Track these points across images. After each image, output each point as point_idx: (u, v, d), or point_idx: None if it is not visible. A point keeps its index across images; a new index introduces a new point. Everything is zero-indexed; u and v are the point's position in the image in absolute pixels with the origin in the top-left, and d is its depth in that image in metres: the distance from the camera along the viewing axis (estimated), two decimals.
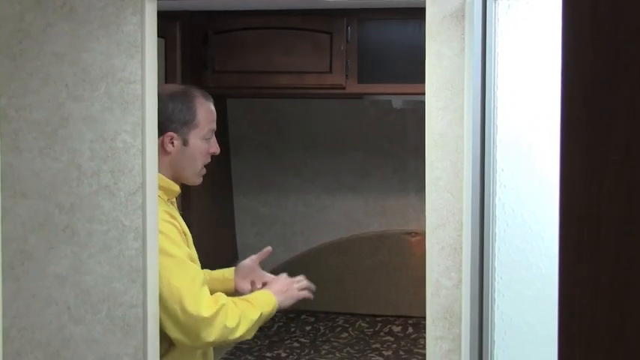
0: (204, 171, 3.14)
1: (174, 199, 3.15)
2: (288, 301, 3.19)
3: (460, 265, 2.61)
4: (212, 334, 2.89)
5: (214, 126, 3.13)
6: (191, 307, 2.84)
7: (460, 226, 2.62)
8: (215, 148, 3.12)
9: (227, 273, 3.32)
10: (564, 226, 1.09)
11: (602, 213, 1.07)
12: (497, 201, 2.25)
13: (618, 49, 1.06)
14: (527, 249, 2.19)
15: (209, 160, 3.13)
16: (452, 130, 2.64)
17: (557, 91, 2.08)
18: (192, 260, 2.98)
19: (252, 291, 3.23)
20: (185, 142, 3.03)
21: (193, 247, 3.12)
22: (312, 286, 3.35)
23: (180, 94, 3.05)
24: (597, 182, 1.08)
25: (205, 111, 3.09)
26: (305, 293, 3.29)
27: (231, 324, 2.92)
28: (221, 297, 2.96)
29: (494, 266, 2.25)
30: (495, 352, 2.27)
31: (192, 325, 2.86)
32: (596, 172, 1.08)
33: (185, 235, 3.02)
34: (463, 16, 2.60)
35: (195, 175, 3.12)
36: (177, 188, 3.11)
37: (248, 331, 3.02)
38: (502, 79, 2.23)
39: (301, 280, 3.31)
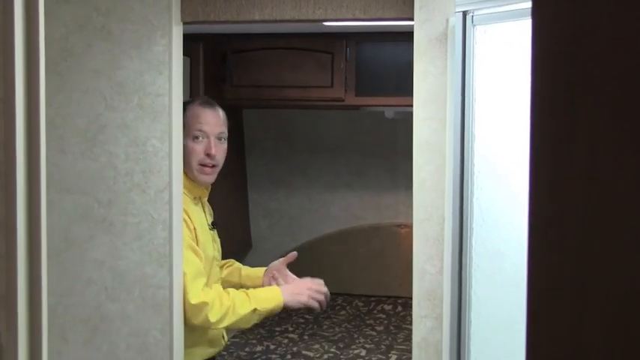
0: (208, 170, 3.04)
1: (203, 198, 3.12)
2: (294, 304, 3.11)
3: (442, 254, 2.60)
4: (196, 320, 2.90)
5: (204, 127, 3.01)
6: (184, 292, 2.86)
7: (442, 221, 2.61)
8: (208, 149, 3.00)
9: (259, 272, 3.29)
10: (533, 224, 1.08)
11: (566, 213, 1.06)
12: (474, 200, 2.24)
13: (577, 69, 1.04)
14: (500, 241, 2.18)
15: (208, 161, 3.01)
16: (436, 138, 2.62)
17: (527, 104, 2.07)
18: (194, 251, 2.94)
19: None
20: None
21: (210, 245, 3.10)
22: (328, 295, 3.27)
23: (184, 104, 2.98)
24: (561, 184, 1.07)
25: (192, 114, 3.02)
26: (314, 303, 3.18)
27: (213, 319, 2.90)
28: (209, 294, 2.93)
29: (471, 256, 2.25)
30: (472, 329, 2.26)
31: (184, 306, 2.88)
32: (561, 176, 1.07)
33: (194, 231, 2.98)
34: (446, 39, 2.59)
35: (194, 172, 3.01)
36: (200, 188, 3.07)
37: (235, 323, 2.99)
38: (479, 93, 2.23)
39: (320, 285, 3.23)
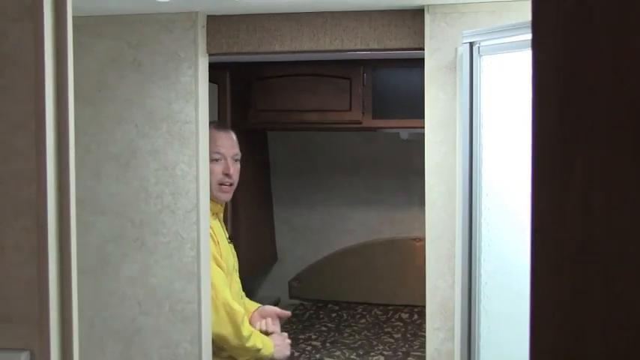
0: (226, 189, 3.05)
1: (220, 215, 3.11)
2: (279, 356, 3.12)
3: (453, 270, 2.57)
4: (229, 327, 2.90)
5: (221, 149, 3.03)
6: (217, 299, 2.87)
7: (453, 239, 2.57)
8: (226, 169, 3.02)
9: (253, 307, 3.26)
10: (535, 244, 1.05)
11: (565, 233, 1.03)
12: (482, 220, 2.21)
13: (575, 101, 1.02)
14: (507, 260, 2.14)
15: (226, 180, 3.03)
16: (447, 160, 2.59)
17: (530, 130, 2.04)
18: (218, 264, 2.94)
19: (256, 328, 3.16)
20: None
21: (230, 256, 3.09)
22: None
23: None
24: (561, 207, 1.05)
25: (209, 138, 2.98)
26: (288, 353, 3.21)
27: (245, 332, 2.92)
28: (241, 308, 2.97)
29: (480, 273, 2.21)
30: (481, 342, 2.22)
31: (220, 307, 2.88)
32: (561, 198, 1.05)
33: (218, 244, 2.98)
34: (455, 67, 2.56)
35: (213, 191, 2.99)
36: (217, 205, 3.06)
37: (246, 349, 2.97)
38: (486, 119, 2.19)
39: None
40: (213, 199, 3.01)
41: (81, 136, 2.83)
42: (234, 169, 3.06)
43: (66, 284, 1.38)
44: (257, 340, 2.97)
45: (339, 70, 4.55)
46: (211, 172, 2.98)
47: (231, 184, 3.05)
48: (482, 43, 2.18)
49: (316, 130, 5.21)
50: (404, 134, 5.02)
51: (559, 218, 1.06)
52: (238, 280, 3.19)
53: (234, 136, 3.11)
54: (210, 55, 2.83)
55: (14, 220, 1.37)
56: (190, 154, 2.77)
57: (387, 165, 5.47)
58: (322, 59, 4.40)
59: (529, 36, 1.94)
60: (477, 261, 2.22)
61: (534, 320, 1.08)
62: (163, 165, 2.79)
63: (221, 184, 3.02)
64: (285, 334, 3.21)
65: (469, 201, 2.22)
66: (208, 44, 2.80)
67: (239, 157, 3.12)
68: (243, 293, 3.32)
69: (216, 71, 4.15)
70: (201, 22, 2.78)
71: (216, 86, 4.44)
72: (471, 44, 2.20)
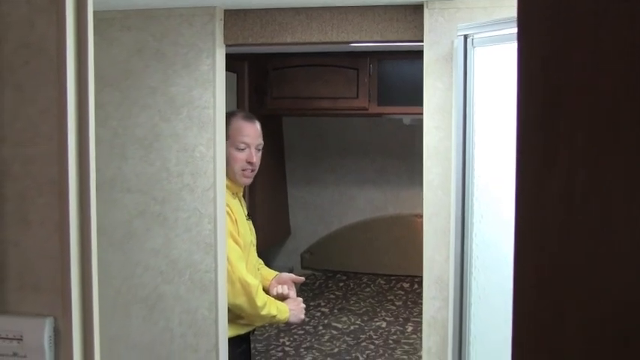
0: (247, 174, 3.02)
1: (240, 194, 3.09)
2: (294, 319, 3.10)
3: (448, 245, 2.53)
4: (243, 297, 2.88)
5: (246, 139, 2.99)
6: (230, 272, 2.84)
7: (449, 216, 2.53)
8: (250, 157, 2.99)
9: (270, 275, 3.24)
10: (519, 224, 1.03)
11: (547, 215, 1.00)
12: (474, 199, 2.17)
13: (562, 84, 0.99)
14: (497, 234, 2.10)
15: (248, 167, 3.00)
16: (443, 144, 2.55)
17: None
18: (235, 240, 2.91)
19: (273, 295, 3.13)
20: (226, 151, 2.96)
21: (248, 232, 3.06)
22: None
23: (227, 115, 2.96)
24: (544, 190, 1.02)
25: (236, 127, 3.00)
26: (303, 317, 3.17)
27: (259, 302, 2.90)
28: (255, 279, 2.94)
29: (472, 247, 2.17)
30: (472, 310, 2.19)
31: (239, 279, 2.85)
32: (544, 182, 1.02)
33: (236, 222, 2.94)
34: (452, 58, 2.52)
35: (234, 176, 2.99)
36: (238, 186, 3.04)
37: (262, 317, 2.97)
38: (478, 106, 2.15)
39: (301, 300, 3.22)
40: (234, 181, 3.00)
41: (109, 121, 2.82)
42: (257, 157, 3.03)
43: (86, 256, 1.36)
44: (272, 308, 2.95)
45: (348, 61, 4.55)
46: (235, 159, 2.96)
47: (252, 170, 3.03)
48: (475, 36, 2.13)
49: (327, 116, 5.21)
50: (406, 120, 5.01)
51: (542, 201, 1.04)
52: (255, 254, 3.16)
53: (258, 127, 3.07)
54: (227, 45, 2.79)
55: (38, 197, 1.34)
56: (208, 137, 2.74)
57: (392, 148, 5.46)
58: (332, 51, 4.38)
59: (515, 30, 1.90)
60: (469, 236, 2.18)
61: (517, 294, 1.05)
62: (183, 147, 2.76)
63: (244, 170, 3.00)
64: (300, 299, 3.19)
65: (462, 181, 2.18)
66: (225, 36, 2.77)
67: (262, 146, 3.09)
68: (262, 262, 3.30)
69: (235, 62, 4.14)
70: (219, 15, 2.75)
71: (235, 75, 4.43)
72: (465, 37, 2.16)
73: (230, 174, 2.97)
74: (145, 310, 2.86)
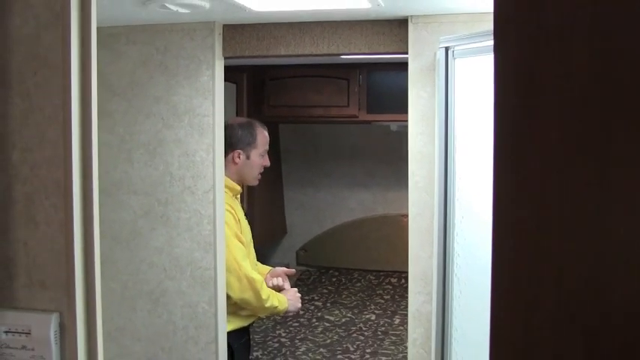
0: (259, 177, 3.09)
1: (238, 195, 3.08)
2: (292, 309, 3.09)
3: (432, 242, 2.52)
4: (248, 292, 2.86)
5: (267, 147, 3.08)
6: (237, 270, 2.81)
7: (432, 215, 2.52)
8: (267, 162, 3.08)
9: (265, 270, 3.21)
10: (496, 223, 1.02)
11: (522, 217, 1.00)
12: (455, 200, 2.15)
13: (534, 91, 0.99)
14: (476, 233, 2.08)
15: (262, 170, 3.08)
16: (427, 149, 2.54)
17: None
18: (239, 239, 2.89)
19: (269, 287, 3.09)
20: (248, 157, 3.00)
21: (247, 230, 3.04)
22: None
23: (246, 124, 3.02)
24: (518, 189, 1.02)
25: (262, 136, 3.06)
26: (300, 305, 3.16)
27: (264, 295, 2.88)
28: (259, 275, 2.93)
29: (453, 245, 2.15)
30: (453, 303, 2.17)
31: (244, 277, 2.82)
32: (518, 182, 1.01)
33: (239, 221, 2.93)
34: (434, 69, 2.50)
35: (253, 180, 3.07)
36: (239, 188, 3.04)
37: (266, 309, 2.95)
38: (459, 113, 2.13)
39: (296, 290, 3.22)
40: (238, 182, 3.01)
41: (117, 128, 2.80)
42: None
43: (89, 255, 1.34)
44: (274, 300, 2.94)
45: (339, 72, 4.54)
46: (258, 165, 3.04)
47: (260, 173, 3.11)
48: (456, 48, 2.11)
49: (320, 123, 5.19)
50: (393, 126, 5.01)
51: (516, 201, 1.03)
52: (253, 250, 3.15)
53: None
54: (225, 58, 2.77)
55: (45, 199, 1.32)
56: (208, 143, 2.72)
57: (380, 153, 5.44)
58: (324, 63, 4.37)
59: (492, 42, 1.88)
60: (450, 235, 2.16)
61: (495, 295, 1.04)
62: (185, 152, 2.74)
63: (260, 174, 3.08)
64: (296, 289, 3.19)
65: (444, 183, 2.16)
66: (224, 49, 2.75)
67: None
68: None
69: (234, 73, 4.12)
70: (218, 30, 2.73)
71: (234, 86, 4.41)
72: (447, 48, 2.14)
73: (248, 179, 3.04)
74: (149, 304, 2.83)
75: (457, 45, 2.09)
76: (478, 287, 2.08)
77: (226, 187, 2.91)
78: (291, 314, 4.29)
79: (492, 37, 1.75)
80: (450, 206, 2.14)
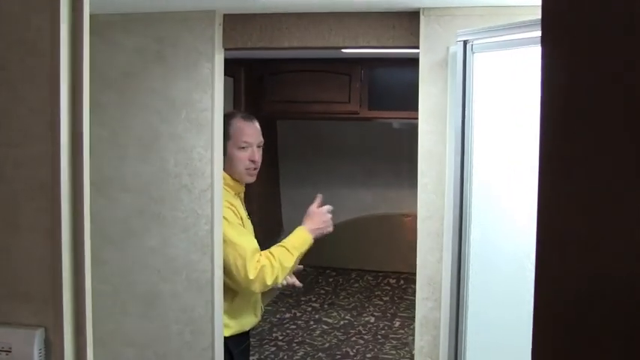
0: (251, 172, 2.86)
1: (241, 194, 2.93)
2: (319, 236, 2.94)
3: (441, 247, 2.39)
4: (257, 288, 2.71)
5: (248, 139, 2.83)
6: (243, 271, 2.66)
7: (442, 219, 2.39)
8: (252, 156, 2.83)
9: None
10: (540, 235, 0.93)
11: (569, 226, 0.91)
12: (472, 204, 2.01)
13: (585, 93, 0.88)
14: (495, 238, 1.95)
15: (251, 166, 2.84)
16: (437, 148, 2.41)
17: (519, 119, 1.85)
18: (249, 233, 2.77)
19: None
20: (225, 152, 2.79)
21: (250, 226, 2.90)
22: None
23: (226, 117, 2.80)
24: (565, 203, 0.92)
25: (237, 128, 2.83)
26: (330, 229, 3.03)
27: (269, 281, 2.72)
28: (261, 259, 2.72)
29: (469, 250, 2.01)
30: (469, 312, 2.03)
31: (244, 282, 2.67)
32: (565, 195, 0.90)
33: (242, 218, 2.79)
34: (446, 64, 2.38)
35: (241, 175, 2.84)
36: (240, 186, 2.88)
37: (284, 275, 2.80)
38: (477, 111, 1.99)
39: (328, 211, 3.05)
40: (238, 180, 2.85)
41: (109, 121, 2.66)
42: (259, 155, 2.88)
43: (79, 264, 1.20)
44: (286, 261, 2.77)
45: (340, 68, 4.44)
46: (239, 159, 2.81)
47: (255, 168, 2.88)
48: (475, 42, 1.98)
49: (319, 119, 5.08)
50: (396, 123, 4.91)
51: (564, 211, 0.93)
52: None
53: (258, 125, 2.92)
54: (225, 49, 2.63)
55: (29, 201, 1.19)
56: (206, 139, 2.58)
57: (381, 151, 5.34)
58: (326, 57, 4.24)
59: (518, 35, 1.75)
60: (466, 239, 2.02)
61: (538, 298, 0.94)
62: (182, 148, 2.60)
63: (247, 169, 2.84)
64: (325, 208, 3.05)
65: (460, 185, 2.02)
66: (224, 40, 2.61)
67: (262, 143, 2.93)
68: None
69: (232, 66, 3.98)
70: (219, 20, 2.59)
71: (232, 80, 4.28)
72: (465, 42, 2.01)
73: (235, 174, 2.83)
74: (142, 308, 2.70)
75: (477, 39, 1.96)
76: (495, 295, 1.95)
77: (227, 185, 2.78)
78: (288, 315, 4.19)
79: (515, 30, 1.61)
80: (466, 210, 2.00)
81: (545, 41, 0.95)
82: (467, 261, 2.02)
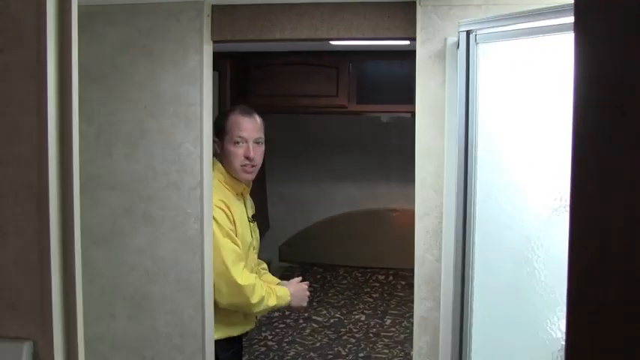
0: (248, 170, 2.74)
1: (245, 193, 2.83)
2: (295, 304, 2.85)
3: (440, 245, 2.32)
4: (238, 299, 2.63)
5: (242, 133, 2.72)
6: (227, 274, 2.59)
7: (441, 216, 2.32)
8: (247, 152, 2.71)
9: (272, 283, 2.94)
10: (574, 237, 0.86)
11: (605, 225, 0.84)
12: (476, 203, 1.93)
13: (621, 88, 0.81)
14: (502, 239, 1.88)
15: (247, 162, 2.72)
16: (435, 143, 2.34)
17: (526, 112, 1.78)
18: (231, 239, 2.63)
19: None
20: (221, 147, 2.71)
21: (248, 232, 2.79)
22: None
23: (223, 111, 2.69)
24: (604, 203, 0.85)
25: (233, 122, 2.73)
26: (305, 304, 2.93)
27: (254, 300, 2.64)
28: (251, 277, 2.67)
29: (474, 249, 1.94)
30: (473, 312, 1.96)
31: (231, 287, 2.60)
32: (601, 198, 0.85)
33: (234, 223, 2.67)
34: (444, 56, 2.30)
35: (237, 172, 2.72)
36: (240, 185, 2.76)
37: (261, 311, 2.77)
38: (481, 104, 1.91)
39: (307, 285, 2.95)
40: (237, 178, 2.74)
41: (95, 117, 2.56)
42: (256, 152, 2.75)
43: (69, 272, 1.11)
44: (270, 300, 2.70)
45: (328, 61, 4.37)
46: (234, 155, 2.70)
47: (253, 166, 2.75)
48: (478, 32, 1.90)
49: (307, 113, 5.00)
50: (384, 118, 4.87)
51: (599, 212, 0.85)
52: (255, 257, 2.91)
53: (258, 120, 2.81)
54: (214, 42, 2.54)
55: (15, 203, 1.09)
56: (195, 135, 2.49)
57: (369, 145, 5.28)
58: (313, 49, 4.16)
59: (522, 25, 1.67)
60: (470, 238, 1.95)
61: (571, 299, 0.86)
62: (170, 144, 2.51)
63: (243, 166, 2.72)
64: (305, 283, 2.93)
65: (464, 181, 1.95)
66: (213, 32, 2.52)
67: (262, 140, 2.81)
68: (266, 268, 3.06)
69: (218, 60, 3.87)
70: (207, 11, 2.50)
71: (217, 73, 4.18)
72: (468, 32, 1.93)
73: (231, 171, 2.72)
74: (129, 310, 2.61)
75: (480, 29, 1.88)
76: (500, 294, 1.89)
77: (227, 183, 2.69)
78: (277, 314, 4.11)
79: (519, 20, 1.53)
80: (470, 209, 1.93)
81: (580, 29, 0.88)
82: (471, 260, 1.94)
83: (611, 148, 0.85)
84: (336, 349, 3.79)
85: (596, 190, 0.86)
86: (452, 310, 2.04)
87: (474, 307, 1.96)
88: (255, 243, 2.88)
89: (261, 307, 2.69)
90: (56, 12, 1.10)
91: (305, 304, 2.91)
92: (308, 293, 2.93)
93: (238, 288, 2.59)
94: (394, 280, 4.94)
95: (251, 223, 2.83)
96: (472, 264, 1.93)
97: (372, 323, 4.15)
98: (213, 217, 2.57)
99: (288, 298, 2.80)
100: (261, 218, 5.25)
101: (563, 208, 1.54)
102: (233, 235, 2.64)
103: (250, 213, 2.86)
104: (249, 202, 2.90)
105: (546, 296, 1.60)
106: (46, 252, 1.09)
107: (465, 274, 1.96)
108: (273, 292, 2.75)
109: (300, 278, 2.99)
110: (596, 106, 0.86)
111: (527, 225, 1.71)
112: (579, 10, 0.87)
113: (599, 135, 0.86)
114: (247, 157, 2.71)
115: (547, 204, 1.63)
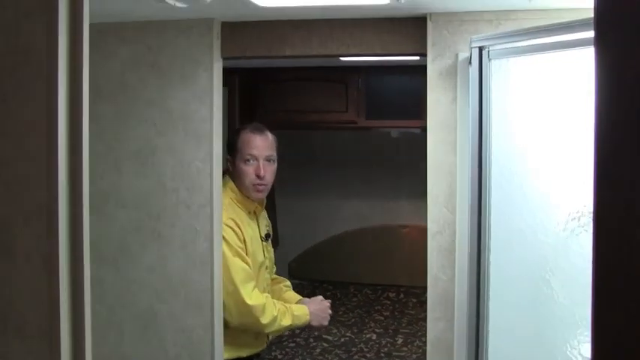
0: (259, 188, 2.70)
1: (260, 211, 2.80)
2: (315, 324, 2.81)
3: (453, 264, 2.29)
4: (247, 319, 2.59)
5: (253, 151, 2.69)
6: (233, 296, 2.55)
7: (453, 234, 2.30)
8: (258, 170, 2.68)
9: (295, 299, 2.94)
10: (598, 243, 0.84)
11: (629, 235, 0.82)
12: (491, 222, 1.91)
13: None
14: (518, 260, 1.86)
15: (258, 180, 2.68)
16: (447, 159, 2.32)
17: (540, 130, 1.76)
18: (241, 258, 2.59)
19: None
20: (233, 164, 2.70)
21: (260, 252, 2.75)
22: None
23: (236, 129, 2.68)
24: (629, 213, 0.83)
25: (244, 140, 2.70)
26: (326, 323, 2.88)
27: (264, 321, 2.60)
28: (261, 297, 2.61)
29: (489, 271, 1.91)
30: (490, 335, 1.93)
31: (239, 306, 2.56)
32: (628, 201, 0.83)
33: (244, 241, 2.64)
34: (456, 72, 2.29)
35: (248, 190, 2.68)
36: (252, 203, 2.72)
37: (275, 331, 2.73)
38: (495, 120, 1.89)
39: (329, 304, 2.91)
40: (248, 197, 2.70)
41: (104, 134, 2.56)
42: (267, 170, 2.72)
43: (79, 296, 1.09)
44: (284, 319, 2.66)
45: (337, 77, 4.36)
46: (245, 173, 2.67)
47: (264, 184, 2.72)
48: (491, 48, 1.89)
49: (317, 129, 5.00)
50: (394, 133, 4.85)
51: (622, 223, 0.83)
52: (268, 277, 2.86)
53: (270, 138, 2.79)
54: (224, 58, 2.54)
55: (24, 226, 1.08)
56: (205, 152, 2.48)
57: (378, 161, 5.25)
58: (322, 65, 4.15)
59: (535, 41, 1.66)
60: (485, 257, 1.92)
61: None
62: (179, 162, 2.50)
63: (254, 185, 2.69)
64: (327, 302, 2.87)
65: (478, 199, 1.92)
66: (223, 49, 2.52)
67: (274, 157, 2.79)
68: (290, 286, 3.05)
69: (226, 75, 3.88)
70: (217, 28, 2.50)
71: (226, 89, 4.18)
72: (480, 48, 1.91)
73: (243, 189, 2.69)
74: (138, 329, 2.59)
75: (493, 44, 1.87)
76: (516, 313, 1.86)
77: (238, 202, 2.66)
78: (287, 332, 4.07)
79: (532, 35, 1.52)
80: (484, 227, 1.90)
81: (601, 43, 0.86)
82: (486, 280, 1.91)
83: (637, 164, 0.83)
84: None
85: (620, 204, 0.84)
86: (467, 332, 2.01)
87: (490, 329, 1.93)
88: (269, 262, 2.84)
89: (274, 327, 2.65)
90: (68, 31, 1.09)
91: (326, 323, 2.86)
92: (330, 312, 2.88)
93: (247, 308, 2.55)
94: (405, 297, 4.90)
95: (264, 242, 2.80)
96: (487, 284, 1.90)
97: (384, 342, 4.11)
98: (223, 237, 2.54)
99: (307, 317, 2.75)
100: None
101: (581, 227, 1.52)
102: (243, 253, 2.60)
103: (264, 232, 2.82)
104: (265, 220, 2.87)
105: (565, 319, 1.57)
106: (55, 274, 1.07)
107: (480, 295, 1.93)
108: (289, 311, 2.70)
109: (321, 297, 2.93)
110: (618, 120, 0.85)
111: (544, 245, 1.69)
112: (600, 25, 0.86)
113: (623, 149, 0.84)
114: (258, 176, 2.68)
115: (564, 223, 1.60)
